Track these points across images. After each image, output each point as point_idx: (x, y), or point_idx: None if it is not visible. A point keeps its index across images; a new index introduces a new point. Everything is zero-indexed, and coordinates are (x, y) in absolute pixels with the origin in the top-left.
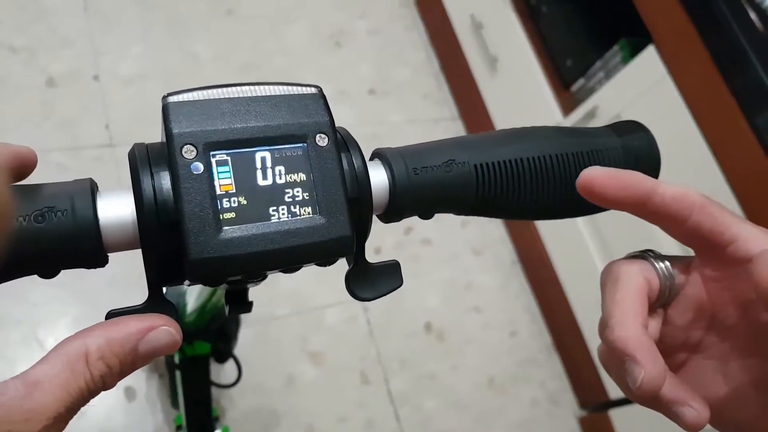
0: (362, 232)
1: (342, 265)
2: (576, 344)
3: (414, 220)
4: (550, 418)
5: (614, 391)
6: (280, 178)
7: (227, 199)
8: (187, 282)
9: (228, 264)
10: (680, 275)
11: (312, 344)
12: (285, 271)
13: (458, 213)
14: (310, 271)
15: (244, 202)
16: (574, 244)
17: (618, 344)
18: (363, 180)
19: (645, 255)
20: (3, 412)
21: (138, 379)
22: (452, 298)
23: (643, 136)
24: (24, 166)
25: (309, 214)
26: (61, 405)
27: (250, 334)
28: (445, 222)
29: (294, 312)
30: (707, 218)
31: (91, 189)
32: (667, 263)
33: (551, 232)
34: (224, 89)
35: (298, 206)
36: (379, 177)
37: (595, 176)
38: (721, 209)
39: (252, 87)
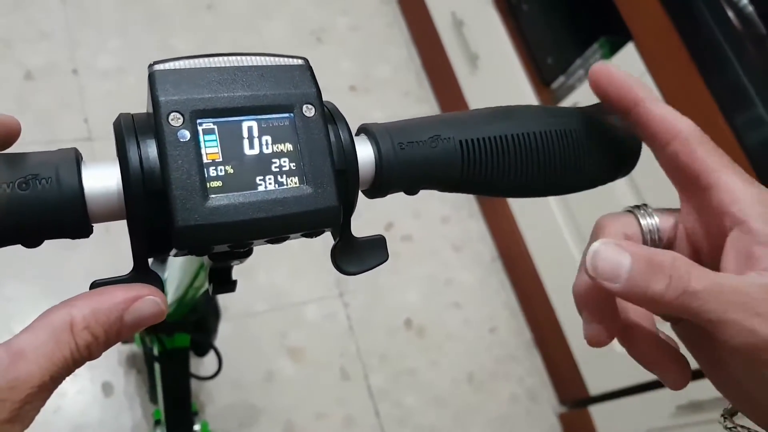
0: (348, 205)
1: (321, 260)
2: (556, 340)
3: (395, 216)
4: (529, 414)
5: (594, 387)
6: (267, 148)
7: (214, 168)
8: (173, 253)
9: (215, 231)
10: (669, 230)
11: (291, 340)
12: (271, 242)
13: (443, 189)
14: (288, 266)
15: (231, 170)
16: (554, 241)
17: (574, 297)
18: (350, 152)
19: (634, 210)
20: None
21: (115, 374)
22: (432, 294)
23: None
24: (8, 134)
25: (296, 184)
26: (46, 374)
27: (229, 329)
28: (425, 218)
29: (273, 307)
30: (686, 152)
31: (75, 158)
32: (656, 219)
33: (531, 228)
34: (211, 58)
35: (284, 176)
36: (365, 151)
37: (603, 70)
38: (708, 149)
39: (239, 57)
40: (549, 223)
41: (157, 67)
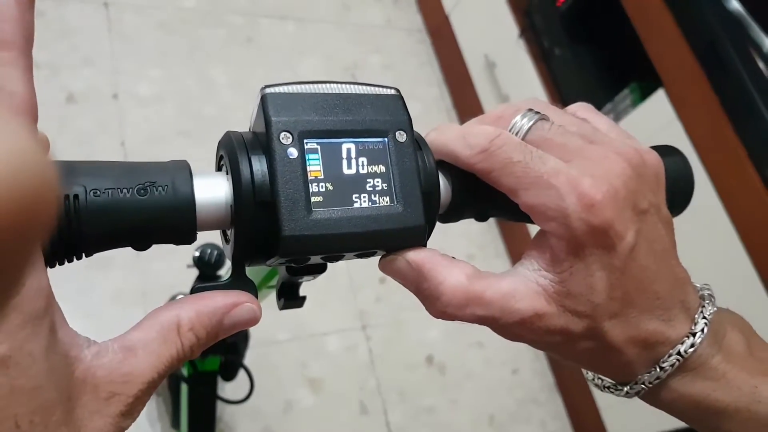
0: (430, 227)
1: (345, 292)
2: (578, 385)
3: None
4: None
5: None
6: (363, 168)
7: (316, 184)
8: (271, 261)
9: (316, 242)
10: None
11: (312, 370)
12: (360, 256)
13: (509, 219)
14: (312, 296)
15: (331, 187)
16: None
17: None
18: (434, 177)
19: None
20: (104, 372)
21: None
22: (455, 332)
23: (680, 160)
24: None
25: (387, 203)
26: (154, 371)
27: (250, 357)
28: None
29: (295, 337)
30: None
31: (189, 168)
32: None
33: None
34: (316, 85)
35: (377, 195)
36: (443, 178)
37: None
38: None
39: (340, 85)
40: None
41: (269, 90)
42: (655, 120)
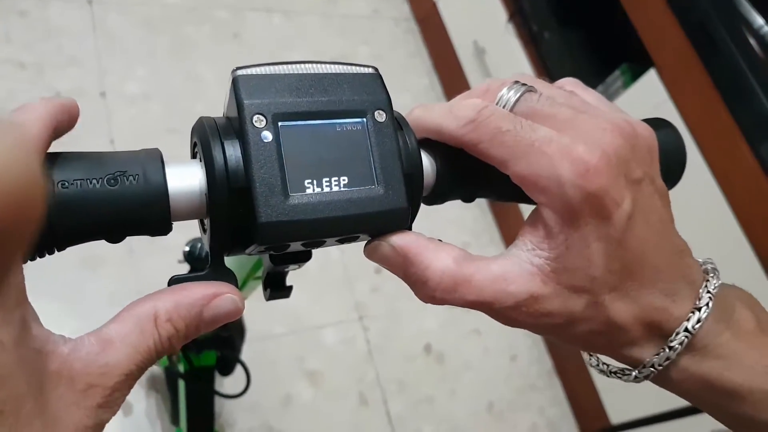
0: (414, 209)
1: (340, 284)
2: (577, 369)
3: None
4: None
5: (616, 416)
6: (341, 150)
7: (293, 168)
8: (250, 249)
9: (295, 228)
10: None
11: (309, 364)
12: (342, 241)
13: (497, 198)
14: (308, 289)
15: (309, 171)
16: None
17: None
18: (416, 157)
19: None
20: (80, 365)
21: (135, 393)
22: (452, 320)
23: (671, 132)
24: (71, 117)
25: (368, 185)
26: (132, 363)
27: (247, 352)
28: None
29: (291, 331)
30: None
31: (161, 157)
32: None
33: None
34: (289, 65)
35: (357, 177)
36: (426, 159)
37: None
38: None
39: (315, 65)
40: None
41: (240, 72)
42: (648, 101)
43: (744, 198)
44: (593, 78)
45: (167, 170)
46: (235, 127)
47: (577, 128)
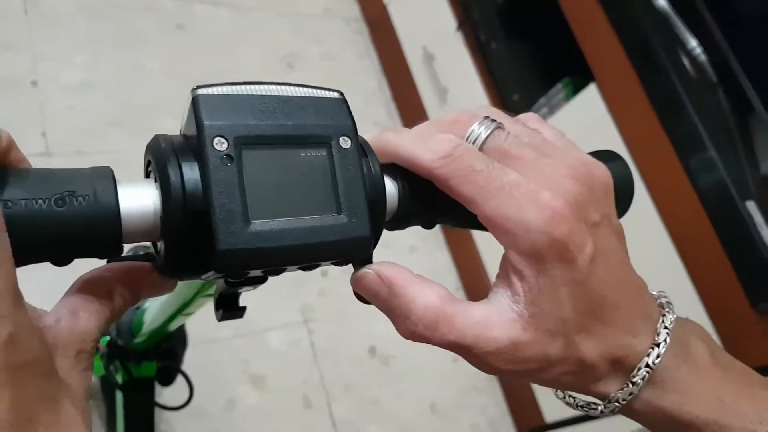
0: (376, 236)
1: (286, 286)
2: None
3: None
4: None
5: (550, 415)
6: (305, 177)
7: (255, 193)
8: (205, 276)
9: (255, 256)
10: None
11: (254, 367)
12: (303, 268)
13: (456, 225)
14: (253, 292)
15: (271, 197)
16: None
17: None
18: (380, 184)
19: None
20: (66, 334)
21: None
22: None
23: (620, 165)
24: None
25: (331, 213)
26: (97, 330)
27: (190, 355)
28: (393, 248)
29: (236, 334)
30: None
31: (112, 176)
32: None
33: (494, 260)
34: (253, 86)
35: (321, 205)
36: (389, 185)
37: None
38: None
39: (279, 86)
40: None
41: (201, 91)
42: (588, 114)
43: (675, 209)
44: (537, 89)
45: (119, 190)
46: (193, 147)
47: (540, 172)
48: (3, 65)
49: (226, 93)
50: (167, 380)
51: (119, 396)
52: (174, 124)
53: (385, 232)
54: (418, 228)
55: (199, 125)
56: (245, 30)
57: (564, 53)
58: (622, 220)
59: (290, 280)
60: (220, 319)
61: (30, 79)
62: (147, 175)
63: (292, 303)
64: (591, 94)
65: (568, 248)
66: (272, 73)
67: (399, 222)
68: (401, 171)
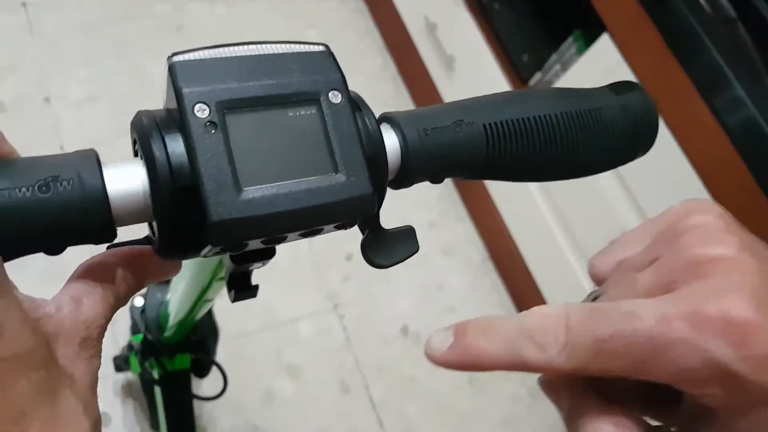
0: (380, 194)
1: (311, 275)
2: None
3: (383, 224)
4: (531, 413)
5: None
6: (296, 136)
7: (244, 159)
8: (203, 252)
9: (251, 225)
10: None
11: (287, 358)
12: (305, 235)
13: (467, 176)
14: (278, 282)
15: (261, 161)
16: (544, 238)
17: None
18: (377, 139)
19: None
20: (69, 322)
21: (112, 404)
22: (426, 301)
23: (639, 95)
24: None
25: (328, 172)
26: (102, 317)
27: (224, 352)
28: (412, 225)
29: (265, 327)
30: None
31: (96, 157)
32: None
33: (520, 226)
34: (231, 48)
35: (316, 165)
36: (390, 139)
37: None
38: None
39: (259, 45)
40: (537, 221)
41: (177, 58)
42: (603, 66)
43: (703, 153)
44: (547, 47)
45: (105, 171)
46: (176, 119)
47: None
48: (15, 86)
49: (203, 57)
50: (202, 372)
51: (158, 391)
52: None
53: (398, 203)
54: (435, 201)
55: (178, 93)
56: (242, 23)
57: (571, 5)
58: (647, 157)
59: (313, 267)
60: (233, 299)
61: (42, 97)
62: (136, 155)
63: (318, 290)
64: (604, 44)
65: None
66: None
67: (404, 178)
68: (398, 123)
